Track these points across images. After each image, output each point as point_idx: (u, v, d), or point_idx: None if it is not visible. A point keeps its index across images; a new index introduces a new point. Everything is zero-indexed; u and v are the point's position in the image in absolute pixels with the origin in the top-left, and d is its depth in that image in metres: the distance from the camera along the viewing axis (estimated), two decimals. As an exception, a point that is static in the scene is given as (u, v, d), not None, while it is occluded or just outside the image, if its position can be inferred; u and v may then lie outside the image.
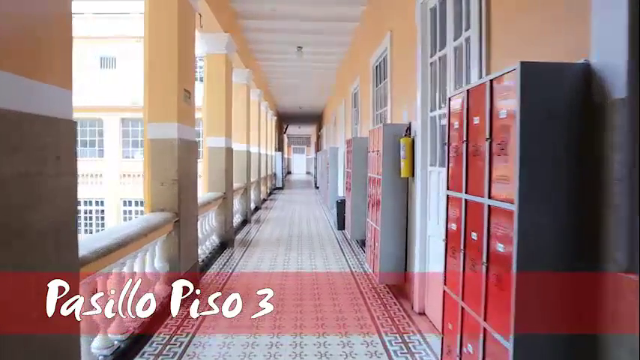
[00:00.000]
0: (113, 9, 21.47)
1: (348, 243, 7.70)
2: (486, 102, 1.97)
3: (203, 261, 5.85)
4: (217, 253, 6.73)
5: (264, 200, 15.29)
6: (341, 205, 8.94)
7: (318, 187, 21.32)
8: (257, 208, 12.64)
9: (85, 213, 21.05)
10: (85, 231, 20.73)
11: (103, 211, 21.05)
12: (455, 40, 3.39)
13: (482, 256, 2.00)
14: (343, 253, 6.91)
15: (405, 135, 4.46)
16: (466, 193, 2.23)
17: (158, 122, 4.40)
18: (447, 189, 2.53)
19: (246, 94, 9.96)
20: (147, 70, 4.42)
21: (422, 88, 4.09)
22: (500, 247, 1.86)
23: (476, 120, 2.11)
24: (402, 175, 4.44)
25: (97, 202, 20.99)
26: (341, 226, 9.03)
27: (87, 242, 2.82)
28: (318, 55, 11.03)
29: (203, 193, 6.78)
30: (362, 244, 7.46)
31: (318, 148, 27.43)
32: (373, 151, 5.16)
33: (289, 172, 42.46)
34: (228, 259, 6.41)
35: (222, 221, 7.13)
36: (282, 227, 9.50)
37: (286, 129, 32.53)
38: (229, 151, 7.45)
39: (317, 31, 9.06)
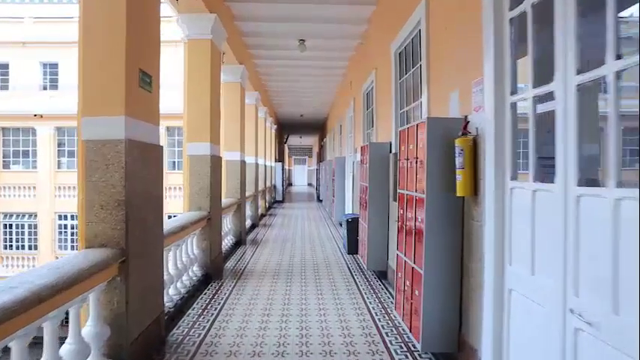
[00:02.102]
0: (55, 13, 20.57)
1: (363, 273, 6.22)
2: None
3: (175, 305, 4.38)
4: (199, 289, 5.26)
5: (263, 216, 13.83)
6: (352, 224, 7.47)
7: (321, 201, 19.88)
8: (254, 226, 11.18)
9: (17, 228, 19.96)
10: (17, 247, 19.68)
11: (35, 225, 19.88)
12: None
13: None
14: (359, 289, 5.43)
15: (462, 134, 3.02)
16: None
17: (95, 116, 2.98)
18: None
19: (239, 93, 8.57)
20: (81, 41, 3.01)
21: (495, 55, 2.66)
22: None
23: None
24: (457, 194, 3.00)
25: (29, 216, 19.90)
26: (352, 249, 7.56)
27: None
28: (323, 50, 9.66)
29: (180, 215, 5.34)
30: (380, 275, 5.98)
31: (320, 159, 26.03)
32: (407, 159, 3.72)
33: (290, 184, 41.11)
34: (211, 300, 4.93)
35: (207, 247, 5.67)
36: (282, 250, 8.02)
37: (287, 139, 31.19)
38: (216, 160, 6.02)
39: (324, 20, 7.69)
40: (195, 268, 5.51)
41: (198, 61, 5.69)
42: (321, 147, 25.85)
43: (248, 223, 10.67)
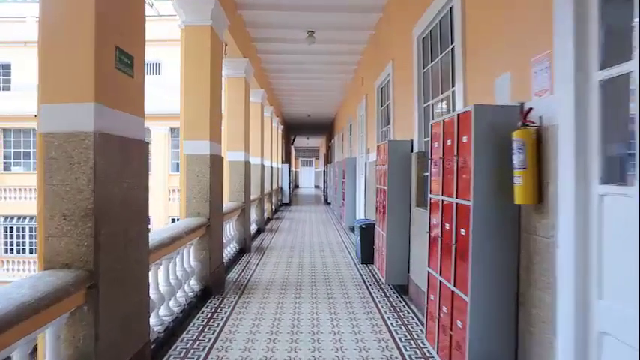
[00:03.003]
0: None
1: (380, 287, 5.57)
2: None
3: (167, 329, 3.75)
4: (197, 306, 4.64)
5: (269, 220, 13.21)
6: (366, 231, 6.82)
7: (329, 203, 19.24)
8: (259, 231, 10.55)
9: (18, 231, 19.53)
10: (18, 251, 19.35)
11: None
12: None
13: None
14: (378, 307, 4.77)
15: (523, 125, 2.37)
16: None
17: (55, 103, 2.36)
18: None
19: (243, 88, 7.97)
20: (41, 8, 2.40)
21: (575, 18, 2.00)
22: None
23: None
24: (516, 201, 2.35)
25: (30, 219, 19.49)
26: (366, 258, 6.91)
27: None
28: (333, 43, 9.03)
29: (174, 223, 4.72)
30: (400, 290, 5.32)
31: (328, 161, 25.39)
32: (442, 158, 3.07)
33: (297, 186, 40.54)
34: (209, 321, 4.30)
35: (206, 258, 5.05)
36: (290, 258, 7.38)
37: (293, 140, 30.59)
38: (217, 160, 5.41)
39: (335, 9, 7.07)
40: (192, 282, 4.89)
41: (196, 49, 5.08)
42: (329, 148, 25.23)
43: (253, 228, 10.06)
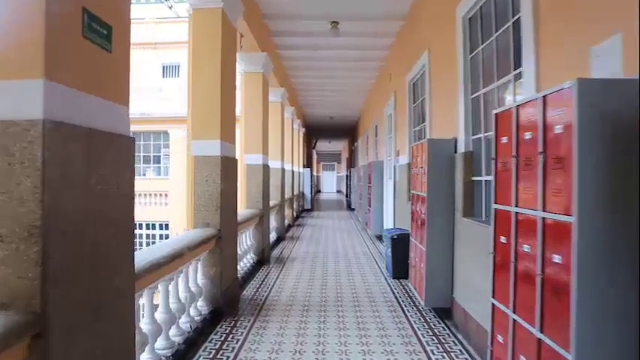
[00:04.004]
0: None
1: (417, 308, 4.79)
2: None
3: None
4: (204, 332, 3.98)
5: (290, 227, 12.53)
6: (399, 243, 6.06)
7: (353, 209, 18.48)
8: (279, 239, 9.88)
9: None
10: None
11: None
12: None
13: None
14: (417, 336, 4.00)
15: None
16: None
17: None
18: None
19: (261, 85, 7.32)
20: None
21: None
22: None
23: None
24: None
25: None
26: (398, 272, 6.14)
27: None
28: (358, 37, 8.32)
29: (176, 236, 4.10)
30: (442, 314, 4.54)
31: (350, 165, 24.63)
32: (516, 157, 2.30)
33: (319, 191, 39.92)
34: (217, 354, 3.63)
35: (217, 276, 4.39)
36: (313, 272, 6.67)
37: (315, 144, 29.97)
38: (229, 163, 4.75)
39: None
40: (199, 303, 4.23)
41: (206, 35, 4.44)
42: (352, 152, 24.47)
43: (273, 236, 9.39)
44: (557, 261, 1.86)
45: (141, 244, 18.55)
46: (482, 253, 3.47)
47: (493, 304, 2.57)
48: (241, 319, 4.49)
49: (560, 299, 1.84)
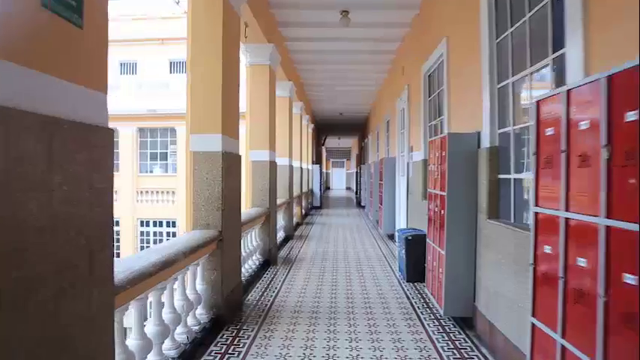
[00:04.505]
0: None
1: (435, 316, 4.42)
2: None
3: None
4: (204, 342, 3.65)
5: (298, 225, 12.19)
6: (414, 244, 5.68)
7: (363, 206, 18.10)
8: (288, 238, 9.54)
9: None
10: None
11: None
12: None
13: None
14: (437, 349, 3.63)
15: None
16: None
17: None
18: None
19: (267, 77, 6.97)
20: None
21: None
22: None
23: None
24: None
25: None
26: (413, 276, 5.77)
27: None
28: (370, 27, 7.92)
29: (173, 239, 3.73)
30: (464, 324, 4.15)
31: (360, 162, 24.22)
32: (568, 152, 1.92)
33: (328, 188, 39.59)
34: (217, 367, 3.30)
35: (217, 281, 4.05)
36: (322, 274, 6.32)
37: (324, 141, 29.55)
38: (232, 159, 4.40)
39: None
40: (198, 311, 3.90)
41: (206, 20, 4.09)
42: (362, 148, 24.05)
43: (280, 235, 9.06)
44: (631, 282, 1.48)
45: (148, 242, 18.35)
46: (512, 260, 3.09)
47: (533, 323, 2.19)
48: (244, 327, 4.15)
49: (635, 330, 1.46)
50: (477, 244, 3.97)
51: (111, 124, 2.00)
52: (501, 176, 3.64)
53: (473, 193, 3.98)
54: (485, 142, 3.78)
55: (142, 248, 18.32)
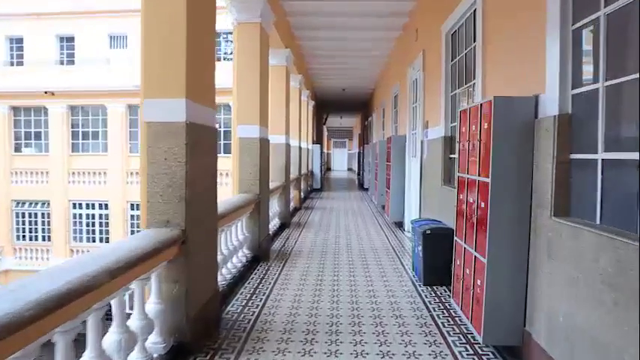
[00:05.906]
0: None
1: (467, 339, 3.39)
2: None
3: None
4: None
5: (296, 210, 11.15)
6: (434, 241, 4.64)
7: (365, 189, 17.05)
8: (283, 227, 8.49)
9: (30, 217, 18.22)
10: (30, 238, 17.88)
11: (49, 214, 18.19)
12: None
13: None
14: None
15: None
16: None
17: None
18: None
19: (259, 36, 5.82)
20: None
21: None
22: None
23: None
24: None
25: (42, 204, 18.03)
26: (431, 278, 4.75)
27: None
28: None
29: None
30: (505, 352, 3.10)
31: (363, 141, 23.04)
32: None
33: (329, 169, 38.53)
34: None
35: (180, 296, 3.00)
36: (321, 274, 5.28)
37: (326, 120, 28.30)
38: (201, 130, 3.30)
39: None
40: (152, 339, 2.86)
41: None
42: (365, 128, 22.83)
43: (275, 223, 8.02)
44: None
45: (81, 224, 17.91)
46: (600, 280, 2.03)
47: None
48: (217, 357, 3.13)
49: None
50: (532, 250, 2.89)
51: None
52: (576, 156, 2.54)
53: (527, 180, 2.89)
54: (552, 109, 2.66)
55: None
